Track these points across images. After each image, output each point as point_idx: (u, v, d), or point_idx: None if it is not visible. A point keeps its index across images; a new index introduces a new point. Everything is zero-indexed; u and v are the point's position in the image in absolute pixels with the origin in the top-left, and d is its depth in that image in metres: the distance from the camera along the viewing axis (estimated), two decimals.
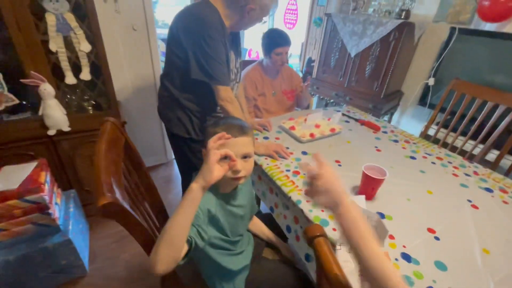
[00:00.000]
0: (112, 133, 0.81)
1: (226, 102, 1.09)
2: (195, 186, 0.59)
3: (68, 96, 1.53)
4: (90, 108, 1.59)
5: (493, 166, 1.50)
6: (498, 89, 1.50)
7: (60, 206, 1.34)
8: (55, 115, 1.37)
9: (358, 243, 0.42)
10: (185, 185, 1.42)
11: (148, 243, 0.67)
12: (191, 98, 1.15)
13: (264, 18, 1.13)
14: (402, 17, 1.93)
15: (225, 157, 0.64)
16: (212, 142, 0.62)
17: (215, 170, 0.60)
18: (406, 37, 1.89)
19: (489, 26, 1.72)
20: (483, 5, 1.59)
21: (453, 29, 1.80)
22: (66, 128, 1.43)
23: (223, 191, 0.79)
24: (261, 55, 1.64)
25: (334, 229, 0.80)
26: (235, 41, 1.20)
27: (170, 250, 0.57)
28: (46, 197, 1.18)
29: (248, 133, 0.76)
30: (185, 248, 0.63)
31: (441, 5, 1.97)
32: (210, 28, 0.99)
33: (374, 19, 1.98)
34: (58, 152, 1.49)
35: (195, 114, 1.18)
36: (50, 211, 1.20)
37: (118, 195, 0.59)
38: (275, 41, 1.53)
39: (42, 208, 1.18)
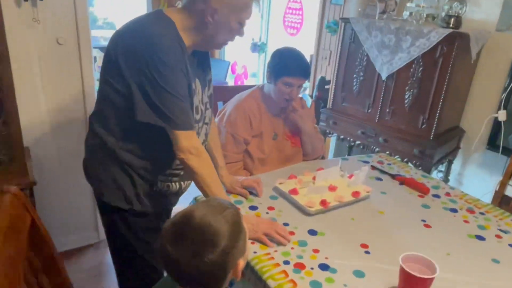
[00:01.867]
0: (12, 213, 0.84)
1: (189, 155, 1.14)
2: None
3: None
4: None
5: None
6: None
7: None
8: None
9: None
10: (122, 281, 1.40)
11: None
12: (133, 150, 1.19)
13: (244, 28, 1.22)
14: (451, 25, 2.13)
15: None
16: None
17: None
18: (459, 53, 2.07)
19: None
20: None
21: None
22: None
23: None
24: (254, 73, 1.76)
25: None
26: (201, 65, 1.29)
27: None
28: None
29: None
30: None
31: (505, 7, 2.19)
32: (163, 49, 1.06)
33: (411, 28, 2.17)
34: None
35: (140, 173, 1.22)
36: None
37: None
38: (287, 66, 1.65)
39: None
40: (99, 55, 3.60)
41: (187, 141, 1.14)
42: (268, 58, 1.78)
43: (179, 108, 1.12)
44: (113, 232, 1.30)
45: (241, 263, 0.79)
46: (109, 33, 1.16)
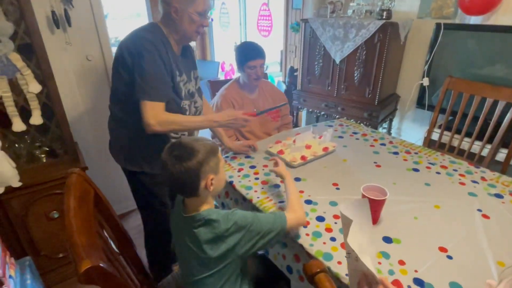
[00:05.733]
0: (80, 186, 0.87)
1: (152, 127, 1.12)
2: None
3: (16, 145, 1.57)
4: (43, 156, 1.63)
5: (504, 166, 1.65)
6: (494, 85, 1.69)
7: (15, 280, 1.33)
8: (4, 170, 1.40)
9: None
10: (145, 225, 1.53)
11: None
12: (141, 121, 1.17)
13: (204, 18, 1.21)
14: (384, 17, 2.15)
15: None
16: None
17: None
18: (392, 37, 2.10)
19: (474, 19, 1.96)
20: None
21: (438, 25, 2.02)
22: (16, 183, 1.46)
23: None
24: (236, 70, 1.78)
25: (339, 263, 0.88)
26: (187, 65, 1.33)
27: None
28: None
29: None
30: None
31: (423, 0, 2.22)
32: (146, 42, 1.12)
33: (354, 22, 2.19)
34: (7, 213, 1.50)
35: (150, 141, 1.26)
36: (4, 287, 1.20)
37: (97, 257, 0.65)
38: (247, 54, 1.68)
39: None
40: None
41: (152, 111, 1.13)
42: None
43: (153, 83, 1.12)
44: (136, 190, 1.41)
45: (211, 177, 0.84)
46: None
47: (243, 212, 0.88)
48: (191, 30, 1.20)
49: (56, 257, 1.72)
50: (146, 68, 1.11)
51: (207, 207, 0.89)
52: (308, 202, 1.14)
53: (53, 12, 1.62)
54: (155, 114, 1.12)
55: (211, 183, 0.84)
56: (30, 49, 1.41)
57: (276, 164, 1.16)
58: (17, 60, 1.38)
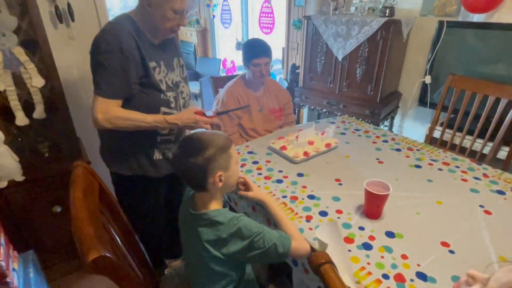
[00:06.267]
0: (85, 179, 0.87)
1: (99, 122, 1.08)
2: None
3: (19, 139, 1.57)
4: (45, 150, 1.63)
5: (505, 164, 1.65)
6: (497, 82, 1.70)
7: (18, 273, 1.34)
8: (7, 164, 1.41)
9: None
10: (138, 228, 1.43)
11: None
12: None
13: (180, 16, 1.11)
14: (387, 14, 2.15)
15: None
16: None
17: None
18: (394, 35, 2.10)
19: (477, 17, 1.96)
20: None
21: (441, 23, 2.03)
22: (19, 177, 1.47)
23: None
24: (240, 66, 1.79)
25: None
26: (167, 53, 1.25)
27: None
28: (3, 263, 1.20)
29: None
30: None
31: None
32: (108, 35, 1.04)
33: (357, 19, 2.19)
34: (10, 207, 1.50)
35: (136, 145, 1.23)
36: (8, 279, 1.21)
37: (104, 248, 0.65)
38: (252, 51, 1.68)
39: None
40: None
41: (101, 105, 1.08)
42: None
43: (107, 78, 1.06)
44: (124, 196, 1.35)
45: (219, 173, 0.83)
46: None
47: (250, 220, 0.85)
48: (163, 27, 1.11)
49: (58, 252, 1.72)
50: (102, 63, 1.05)
51: (216, 206, 0.88)
52: (311, 197, 1.14)
53: (56, 7, 1.62)
54: (105, 109, 1.07)
55: (219, 179, 0.84)
56: (34, 44, 1.41)
57: (246, 187, 1.04)
58: (20, 54, 1.39)
